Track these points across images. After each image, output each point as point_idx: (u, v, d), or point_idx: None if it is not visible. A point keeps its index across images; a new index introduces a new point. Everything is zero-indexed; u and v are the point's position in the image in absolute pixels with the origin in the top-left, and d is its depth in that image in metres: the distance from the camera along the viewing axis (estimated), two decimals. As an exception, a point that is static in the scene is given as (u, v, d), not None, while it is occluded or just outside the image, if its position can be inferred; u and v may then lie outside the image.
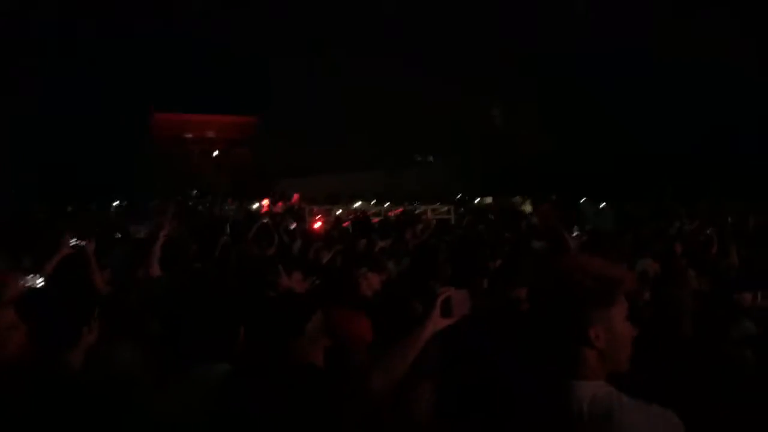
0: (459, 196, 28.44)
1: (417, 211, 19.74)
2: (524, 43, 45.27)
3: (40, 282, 3.36)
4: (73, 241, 10.27)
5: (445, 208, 20.28)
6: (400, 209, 20.74)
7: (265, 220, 11.50)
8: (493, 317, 1.59)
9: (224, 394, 1.09)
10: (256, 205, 23.11)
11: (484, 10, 45.09)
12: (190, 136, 39.06)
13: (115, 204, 19.65)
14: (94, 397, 2.25)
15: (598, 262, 1.64)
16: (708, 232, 10.29)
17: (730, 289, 5.71)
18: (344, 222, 17.27)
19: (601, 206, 23.95)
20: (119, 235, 12.30)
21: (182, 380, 1.71)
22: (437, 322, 2.09)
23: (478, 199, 29.28)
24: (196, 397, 1.61)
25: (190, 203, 22.31)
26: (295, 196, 25.48)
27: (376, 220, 17.74)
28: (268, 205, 22.39)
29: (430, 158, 38.70)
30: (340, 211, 20.60)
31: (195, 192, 29.31)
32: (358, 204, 22.98)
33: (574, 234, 12.43)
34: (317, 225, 16.05)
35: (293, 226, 14.34)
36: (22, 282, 3.30)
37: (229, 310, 1.94)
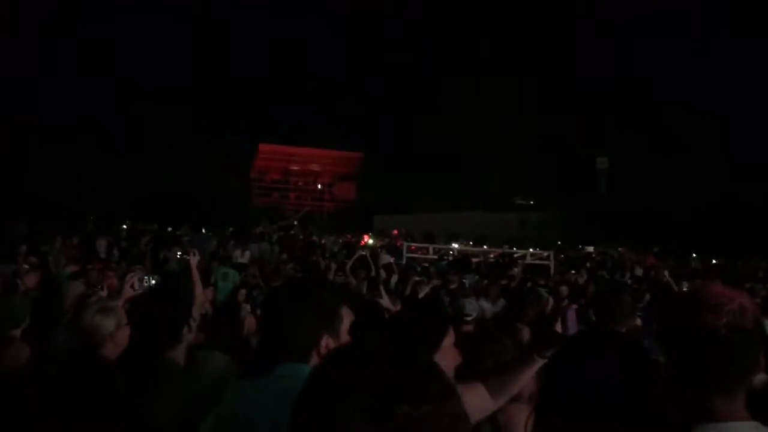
0: (559, 243, 27.80)
1: (516, 255, 19.44)
2: (632, 96, 44.32)
3: (153, 282, 3.66)
4: (179, 255, 10.82)
5: (545, 254, 19.85)
6: (498, 251, 20.50)
7: (363, 253, 11.65)
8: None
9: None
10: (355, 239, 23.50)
11: (601, 66, 44.59)
12: (295, 168, 40.28)
13: (230, 229, 20.53)
14: (191, 389, 2.41)
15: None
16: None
17: None
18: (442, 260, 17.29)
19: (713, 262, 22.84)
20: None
21: (268, 376, 1.78)
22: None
23: (579, 247, 28.55)
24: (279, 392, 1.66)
25: (292, 232, 22.92)
26: (395, 233, 25.77)
27: (476, 260, 17.65)
28: (368, 239, 22.74)
29: (531, 202, 38.18)
30: (440, 249, 20.59)
31: (296, 222, 30.12)
32: (455, 244, 22.93)
33: (684, 289, 11.87)
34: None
35: (391, 260, 14.46)
36: (136, 282, 3.59)
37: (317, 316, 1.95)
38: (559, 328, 2.19)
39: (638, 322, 5.19)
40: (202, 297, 4.63)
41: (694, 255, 24.46)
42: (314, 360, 1.80)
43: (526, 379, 2.17)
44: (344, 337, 1.88)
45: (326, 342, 1.81)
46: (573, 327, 2.14)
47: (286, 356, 1.80)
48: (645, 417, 1.22)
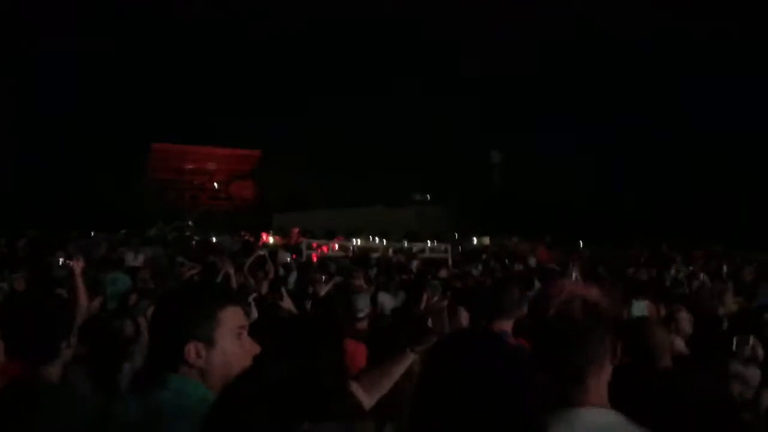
0: (456, 236, 28.44)
1: (414, 249, 19.76)
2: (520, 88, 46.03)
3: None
4: (61, 261, 10.27)
5: (443, 247, 20.28)
6: (399, 246, 20.77)
7: (261, 252, 11.50)
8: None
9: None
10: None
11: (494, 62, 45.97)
12: (190, 167, 39.22)
13: (122, 232, 19.67)
14: (70, 409, 2.28)
15: (594, 293, 1.64)
16: (701, 277, 10.34)
17: (723, 332, 5.74)
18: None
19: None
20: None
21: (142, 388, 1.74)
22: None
23: (475, 239, 29.32)
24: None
25: (187, 233, 22.29)
26: (295, 230, 25.57)
27: (375, 255, 17.80)
28: (267, 238, 22.47)
29: (427, 197, 38.90)
30: (337, 246, 20.61)
31: (190, 223, 29.31)
32: (356, 241, 23.02)
33: (573, 276, 12.43)
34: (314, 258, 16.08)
35: (289, 259, 14.36)
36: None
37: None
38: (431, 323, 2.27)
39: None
40: (86, 306, 4.42)
41: (581, 243, 25.68)
42: (184, 369, 1.70)
43: (399, 373, 2.22)
44: (227, 341, 1.75)
45: (195, 348, 1.70)
46: (445, 323, 2.22)
47: (154, 366, 1.74)
48: (508, 412, 1.26)
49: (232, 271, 8.91)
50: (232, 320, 1.78)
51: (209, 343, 1.73)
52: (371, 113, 45.61)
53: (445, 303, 4.93)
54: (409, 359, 2.21)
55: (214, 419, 1.06)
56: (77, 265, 4.48)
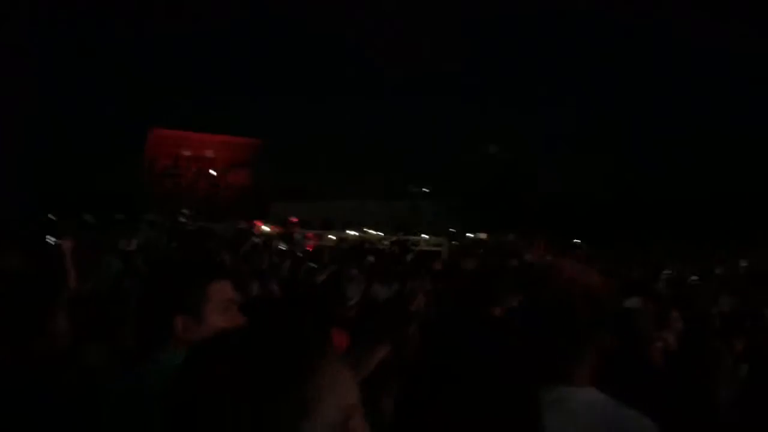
0: (453, 230, 28.47)
1: (409, 242, 19.79)
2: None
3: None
4: (51, 240, 10.22)
5: (438, 241, 20.33)
6: (393, 238, 20.79)
7: (256, 240, 11.49)
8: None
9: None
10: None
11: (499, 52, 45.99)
12: (188, 153, 39.14)
13: (118, 218, 19.66)
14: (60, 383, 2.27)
15: (594, 279, 1.65)
16: (694, 278, 10.38)
17: (713, 332, 5.74)
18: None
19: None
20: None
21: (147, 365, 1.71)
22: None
23: (471, 234, 29.34)
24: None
25: (182, 219, 22.26)
26: (293, 220, 25.57)
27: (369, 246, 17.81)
28: (261, 226, 22.45)
29: (425, 189, 38.89)
30: (334, 237, 20.65)
31: (187, 212, 29.24)
32: (351, 231, 23.05)
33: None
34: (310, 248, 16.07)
35: (284, 247, 14.35)
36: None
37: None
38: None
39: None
40: (74, 284, 4.39)
41: (578, 241, 25.76)
42: (173, 343, 1.70)
43: (375, 362, 2.21)
44: (215, 315, 1.73)
45: (183, 322, 1.70)
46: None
47: (143, 341, 1.75)
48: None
49: (227, 257, 8.92)
50: (220, 294, 1.78)
51: (197, 316, 1.72)
52: (370, 109, 45.65)
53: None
54: (387, 348, 2.20)
55: (188, 367, 1.01)
56: (67, 245, 4.45)
